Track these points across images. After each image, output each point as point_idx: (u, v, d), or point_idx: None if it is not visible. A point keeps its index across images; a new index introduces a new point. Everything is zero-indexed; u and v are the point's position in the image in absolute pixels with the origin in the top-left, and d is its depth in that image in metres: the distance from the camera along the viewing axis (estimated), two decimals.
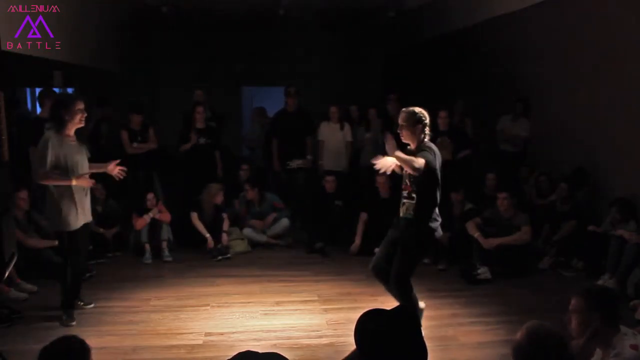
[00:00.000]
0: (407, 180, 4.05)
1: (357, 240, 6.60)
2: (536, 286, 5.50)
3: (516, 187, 6.88)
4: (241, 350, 2.00)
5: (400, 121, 4.05)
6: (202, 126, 7.28)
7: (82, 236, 4.58)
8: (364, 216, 6.66)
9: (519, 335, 2.32)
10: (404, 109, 4.09)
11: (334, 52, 10.98)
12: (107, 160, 4.71)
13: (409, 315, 2.01)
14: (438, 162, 3.97)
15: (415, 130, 3.99)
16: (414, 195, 4.00)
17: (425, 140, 4.03)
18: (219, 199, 6.80)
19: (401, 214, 4.10)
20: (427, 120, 4.05)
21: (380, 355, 1.84)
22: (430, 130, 4.13)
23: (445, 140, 6.77)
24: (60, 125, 4.39)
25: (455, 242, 6.10)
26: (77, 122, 4.44)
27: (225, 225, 6.74)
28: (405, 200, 4.07)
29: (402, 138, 4.10)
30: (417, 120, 3.99)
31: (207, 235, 6.57)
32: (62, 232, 4.47)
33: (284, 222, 7.10)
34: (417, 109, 4.04)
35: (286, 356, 2.04)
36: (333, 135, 7.59)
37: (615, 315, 2.58)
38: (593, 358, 2.63)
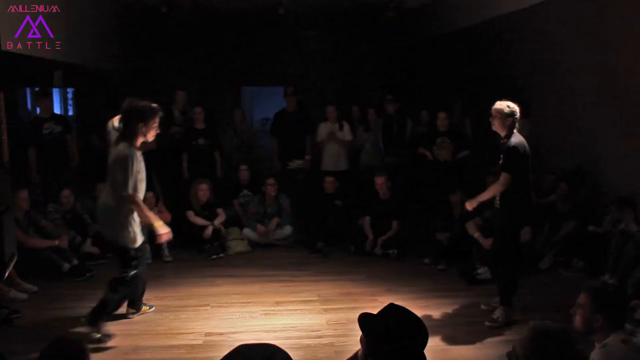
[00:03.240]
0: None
1: (370, 235, 6.54)
2: (536, 286, 5.49)
3: None
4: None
5: (493, 112, 4.45)
6: (202, 127, 7.28)
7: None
8: (367, 219, 6.65)
9: (524, 334, 2.33)
10: (498, 102, 4.45)
11: (334, 52, 10.96)
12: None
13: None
14: (526, 152, 4.40)
15: (505, 122, 4.41)
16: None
17: (515, 131, 4.42)
18: (207, 195, 6.76)
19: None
20: (518, 115, 4.43)
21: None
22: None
23: (444, 140, 6.77)
24: (132, 136, 4.08)
25: (455, 242, 6.10)
26: (149, 137, 4.16)
27: (219, 219, 6.71)
28: None
29: (493, 127, 4.51)
30: (508, 114, 4.39)
31: (208, 223, 6.59)
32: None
33: (287, 229, 7.05)
34: (509, 103, 4.42)
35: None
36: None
37: (619, 317, 2.63)
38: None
